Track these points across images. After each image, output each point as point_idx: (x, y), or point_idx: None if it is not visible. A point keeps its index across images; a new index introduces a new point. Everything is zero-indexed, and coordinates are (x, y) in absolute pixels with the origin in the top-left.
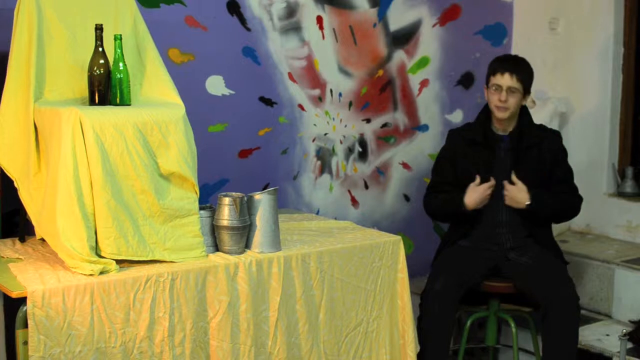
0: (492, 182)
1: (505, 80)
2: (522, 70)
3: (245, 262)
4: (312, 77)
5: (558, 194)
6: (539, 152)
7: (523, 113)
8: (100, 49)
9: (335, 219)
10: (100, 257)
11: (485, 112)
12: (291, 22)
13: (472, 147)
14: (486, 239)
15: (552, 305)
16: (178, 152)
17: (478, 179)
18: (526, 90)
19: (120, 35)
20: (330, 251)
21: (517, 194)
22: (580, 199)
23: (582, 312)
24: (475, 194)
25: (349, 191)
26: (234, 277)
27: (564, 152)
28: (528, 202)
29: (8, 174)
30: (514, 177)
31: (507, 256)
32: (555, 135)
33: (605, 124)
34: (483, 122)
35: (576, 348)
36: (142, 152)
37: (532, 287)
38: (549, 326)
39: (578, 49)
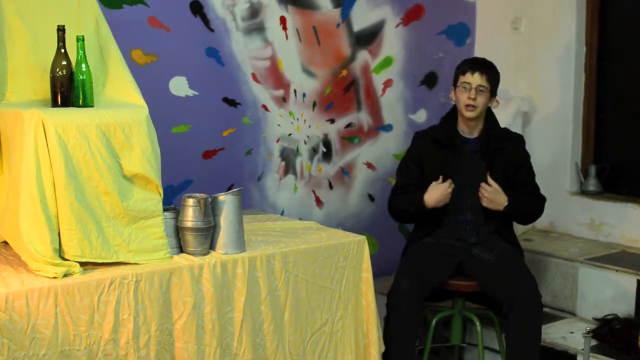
0: (449, 182)
1: (475, 79)
2: (490, 71)
3: (209, 263)
4: (275, 77)
5: (528, 195)
6: (504, 156)
7: (489, 116)
8: (63, 50)
9: (300, 219)
10: (64, 259)
11: (451, 115)
12: (255, 23)
13: (438, 150)
14: (450, 235)
15: (514, 303)
16: (141, 154)
17: (441, 179)
18: (493, 92)
19: (83, 36)
20: (294, 251)
21: (497, 195)
22: (544, 200)
23: (547, 310)
24: (435, 193)
25: (314, 191)
26: (199, 279)
27: (527, 156)
28: (506, 204)
29: None
30: (490, 179)
31: (470, 252)
32: (519, 140)
33: (568, 123)
34: (449, 125)
35: (539, 345)
36: (105, 154)
37: (495, 285)
38: (512, 324)
39: (540, 48)
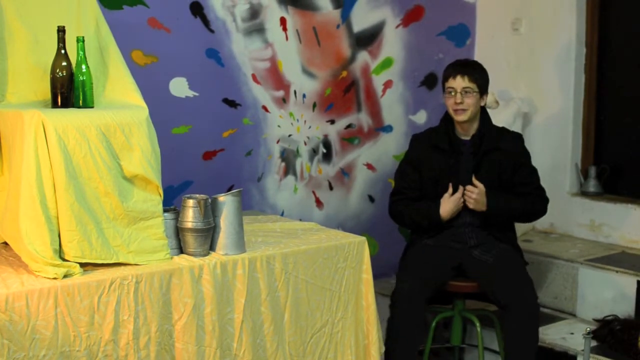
0: (460, 191)
1: (458, 82)
2: (473, 70)
3: (209, 264)
4: (276, 78)
5: (520, 195)
6: (499, 155)
7: (483, 116)
8: (63, 51)
9: (300, 220)
10: (64, 260)
11: (447, 118)
12: (255, 24)
13: (436, 153)
14: (450, 237)
15: (510, 304)
16: (142, 155)
17: (451, 190)
18: (482, 91)
19: (83, 37)
20: (295, 252)
21: (482, 197)
22: (545, 200)
23: (547, 311)
24: (449, 205)
25: (314, 192)
26: (199, 280)
27: (526, 154)
28: (487, 206)
29: None
30: (475, 180)
31: (471, 254)
32: (517, 138)
33: (568, 124)
34: (446, 128)
35: (537, 346)
36: (105, 155)
37: (493, 286)
38: (508, 325)
39: (541, 49)
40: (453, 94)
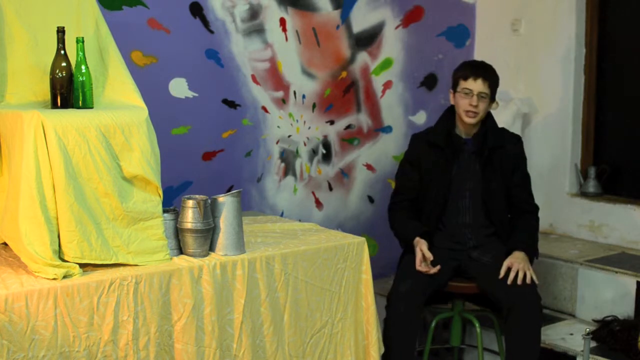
0: (428, 266)
1: (478, 85)
2: (492, 76)
3: (209, 264)
4: (275, 79)
5: (521, 218)
6: (501, 156)
7: (487, 117)
8: (62, 52)
9: (300, 220)
10: (64, 261)
11: (447, 116)
12: (254, 24)
13: (435, 151)
14: (449, 238)
15: (514, 305)
16: (141, 155)
17: (437, 268)
18: (493, 97)
19: (82, 37)
20: (294, 253)
21: (522, 261)
22: (536, 209)
23: (546, 311)
24: (419, 252)
25: (313, 193)
26: (198, 280)
27: (523, 158)
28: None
29: None
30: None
31: (470, 255)
32: (517, 140)
33: (567, 125)
34: (446, 126)
35: (539, 348)
36: (105, 155)
37: (495, 287)
38: (511, 327)
39: (540, 50)
40: (469, 95)
